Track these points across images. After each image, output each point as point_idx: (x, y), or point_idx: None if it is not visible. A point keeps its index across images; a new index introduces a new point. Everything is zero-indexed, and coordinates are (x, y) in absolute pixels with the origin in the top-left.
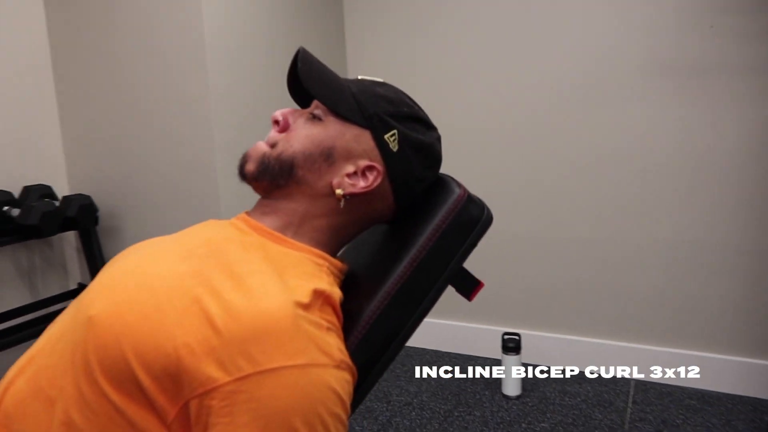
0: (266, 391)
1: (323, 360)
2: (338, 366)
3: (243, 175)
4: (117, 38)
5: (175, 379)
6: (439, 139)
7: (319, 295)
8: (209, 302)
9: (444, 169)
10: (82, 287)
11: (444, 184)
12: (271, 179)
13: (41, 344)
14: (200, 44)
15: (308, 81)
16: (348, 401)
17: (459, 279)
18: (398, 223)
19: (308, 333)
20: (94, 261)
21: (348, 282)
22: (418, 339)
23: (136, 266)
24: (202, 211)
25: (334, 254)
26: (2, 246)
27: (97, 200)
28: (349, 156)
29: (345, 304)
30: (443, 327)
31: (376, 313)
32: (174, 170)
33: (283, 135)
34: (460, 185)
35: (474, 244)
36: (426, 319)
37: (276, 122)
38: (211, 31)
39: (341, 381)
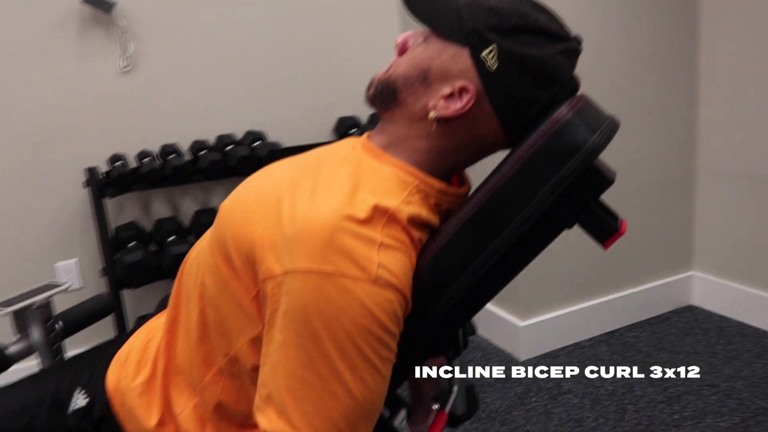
0: (297, 287)
1: (354, 273)
2: (374, 282)
3: (366, 99)
4: None
5: (252, 265)
6: (565, 51)
7: (382, 212)
8: (285, 205)
9: None
10: None
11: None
12: (381, 102)
13: None
14: None
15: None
16: (388, 319)
17: (587, 220)
18: None
19: (344, 245)
20: None
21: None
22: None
23: (265, 171)
24: None
25: (439, 175)
26: None
27: None
28: (446, 77)
29: (445, 225)
30: None
31: (448, 236)
32: None
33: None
34: (572, 104)
35: (575, 178)
36: None
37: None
38: None
39: (377, 297)
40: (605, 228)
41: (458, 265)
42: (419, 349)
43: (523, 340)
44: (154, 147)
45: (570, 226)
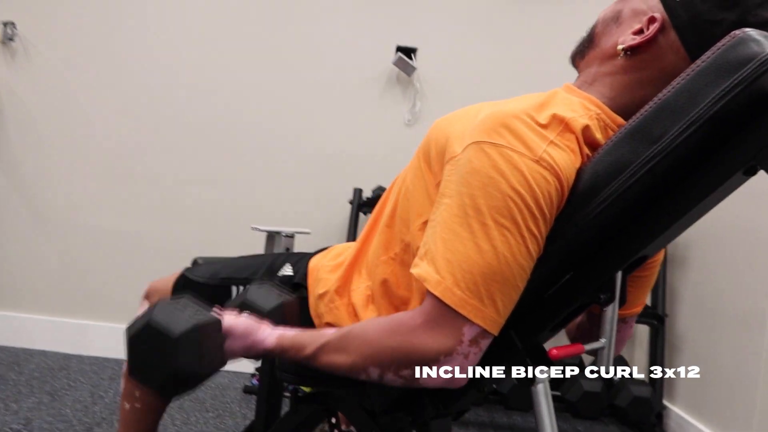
0: (467, 156)
1: (521, 149)
2: (537, 161)
3: (570, 58)
4: None
5: (443, 154)
6: None
7: (559, 120)
8: (482, 112)
9: None
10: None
11: None
12: (579, 53)
13: None
14: None
15: None
16: (542, 196)
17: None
18: None
19: (517, 128)
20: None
21: None
22: None
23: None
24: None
25: (623, 113)
26: None
27: None
28: (636, 14)
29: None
30: None
31: (609, 143)
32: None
33: None
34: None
35: (743, 91)
36: None
37: None
38: None
39: (536, 173)
40: None
41: (612, 169)
42: (567, 258)
43: None
44: None
45: (748, 171)
